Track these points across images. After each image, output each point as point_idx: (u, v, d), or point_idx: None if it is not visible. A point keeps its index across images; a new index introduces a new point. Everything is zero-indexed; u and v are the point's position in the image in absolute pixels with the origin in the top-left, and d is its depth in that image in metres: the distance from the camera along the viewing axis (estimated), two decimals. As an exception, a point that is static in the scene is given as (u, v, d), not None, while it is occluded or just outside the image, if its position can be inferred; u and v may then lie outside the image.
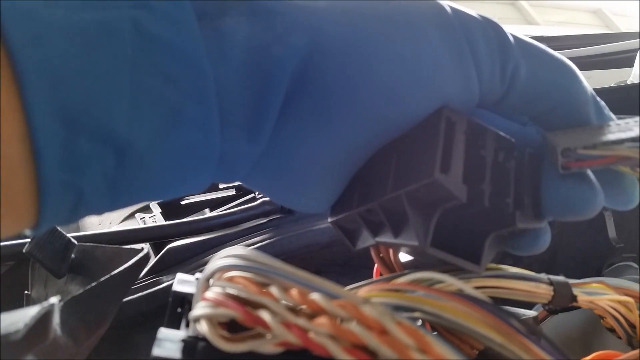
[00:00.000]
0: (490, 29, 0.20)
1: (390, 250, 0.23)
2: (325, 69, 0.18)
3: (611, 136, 0.18)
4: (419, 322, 0.16)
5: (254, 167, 0.20)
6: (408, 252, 0.22)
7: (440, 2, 0.20)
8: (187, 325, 0.17)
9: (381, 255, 0.23)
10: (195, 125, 0.17)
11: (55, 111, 0.14)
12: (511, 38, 0.20)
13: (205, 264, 0.45)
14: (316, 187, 0.21)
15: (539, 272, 0.23)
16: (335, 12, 0.18)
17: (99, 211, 0.17)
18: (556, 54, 0.21)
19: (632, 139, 0.17)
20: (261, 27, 0.17)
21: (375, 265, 0.23)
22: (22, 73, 0.14)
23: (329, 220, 0.23)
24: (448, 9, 0.19)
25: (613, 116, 0.21)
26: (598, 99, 0.21)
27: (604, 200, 0.20)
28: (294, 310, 0.15)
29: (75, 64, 0.14)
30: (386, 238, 0.21)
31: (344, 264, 0.49)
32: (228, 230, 0.49)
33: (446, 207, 0.19)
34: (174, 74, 0.16)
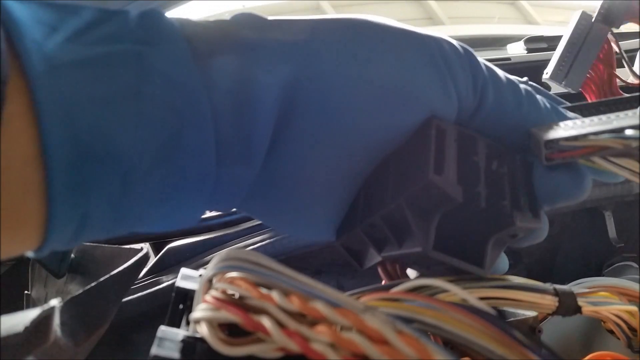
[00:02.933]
0: (460, 48, 0.21)
1: (397, 267, 0.23)
2: (310, 95, 0.19)
3: (591, 128, 0.19)
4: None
5: (253, 194, 0.21)
6: (415, 266, 0.23)
7: (415, 29, 0.21)
8: (188, 322, 0.17)
9: (389, 272, 0.23)
10: (193, 150, 0.18)
11: (66, 136, 0.15)
12: (479, 58, 0.22)
13: (205, 263, 0.45)
14: (316, 209, 0.22)
15: (539, 271, 0.23)
16: (316, 43, 0.20)
17: (99, 236, 0.18)
18: (512, 77, 0.22)
19: (611, 130, 0.18)
20: (248, 61, 0.19)
21: (383, 282, 0.23)
22: (39, 102, 0.15)
23: (336, 242, 0.24)
24: (424, 34, 0.21)
25: (577, 116, 0.23)
26: (559, 108, 0.23)
27: (591, 182, 0.21)
28: (294, 315, 0.14)
29: (86, 93, 0.16)
30: (391, 251, 0.21)
31: (344, 264, 0.49)
32: (228, 230, 0.49)
33: (445, 209, 0.19)
34: (175, 103, 0.17)
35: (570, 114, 0.23)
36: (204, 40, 0.19)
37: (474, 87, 0.21)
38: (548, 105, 0.22)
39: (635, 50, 0.65)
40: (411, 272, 0.23)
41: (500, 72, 0.22)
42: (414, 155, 0.20)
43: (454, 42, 0.21)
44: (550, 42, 0.70)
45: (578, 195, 0.21)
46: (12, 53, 0.15)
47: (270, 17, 0.20)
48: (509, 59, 0.64)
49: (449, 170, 0.19)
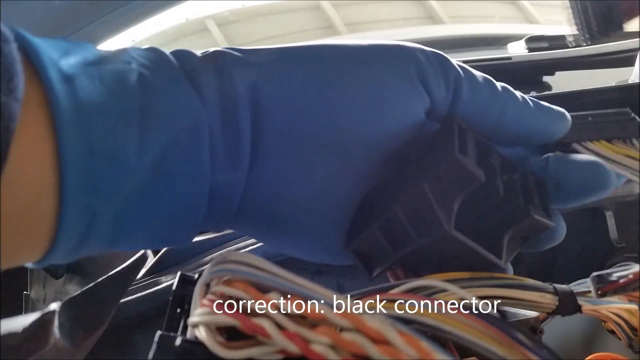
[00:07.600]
0: (429, 51, 0.23)
1: (407, 273, 0.23)
2: (273, 108, 0.21)
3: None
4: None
5: (245, 210, 0.22)
6: (426, 266, 0.23)
7: (385, 42, 0.23)
8: (186, 327, 0.17)
9: (399, 278, 0.23)
10: (191, 155, 0.20)
11: (80, 141, 0.17)
12: (450, 59, 0.24)
13: (204, 264, 0.45)
14: (314, 219, 0.23)
15: (540, 271, 0.23)
16: (283, 60, 0.22)
17: (100, 248, 0.19)
18: (486, 75, 0.24)
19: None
20: (228, 81, 0.21)
21: None
22: (55, 110, 0.16)
23: (347, 247, 0.24)
24: (392, 45, 0.23)
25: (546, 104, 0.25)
26: (541, 102, 0.25)
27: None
28: (294, 317, 0.14)
29: (97, 103, 0.17)
30: (409, 245, 0.21)
31: (343, 265, 0.49)
32: (228, 230, 0.48)
33: (467, 190, 0.20)
34: (175, 114, 0.19)
35: (554, 107, 0.25)
36: (192, 66, 0.21)
37: (446, 81, 0.23)
38: (527, 98, 0.24)
39: (636, 50, 0.65)
40: None
41: (475, 71, 0.24)
42: (435, 146, 0.21)
43: (425, 47, 0.24)
44: (552, 42, 0.69)
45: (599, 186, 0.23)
46: (29, 69, 0.16)
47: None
48: (509, 58, 0.64)
49: (471, 155, 0.20)
